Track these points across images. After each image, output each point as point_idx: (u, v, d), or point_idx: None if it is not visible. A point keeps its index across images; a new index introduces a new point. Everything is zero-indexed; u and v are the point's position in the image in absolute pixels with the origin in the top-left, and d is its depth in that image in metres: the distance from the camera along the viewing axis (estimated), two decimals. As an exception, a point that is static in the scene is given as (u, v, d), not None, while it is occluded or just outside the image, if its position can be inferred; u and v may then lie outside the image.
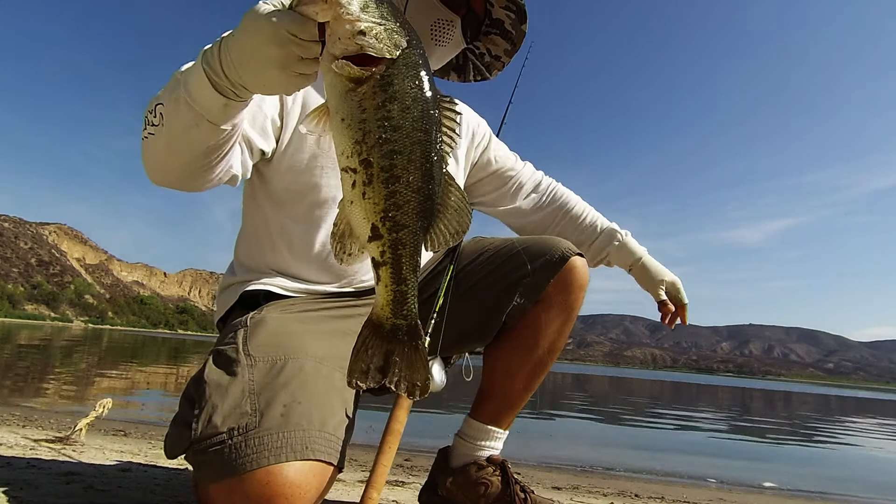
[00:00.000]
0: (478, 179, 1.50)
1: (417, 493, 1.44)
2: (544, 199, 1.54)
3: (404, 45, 0.64)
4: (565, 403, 10.36)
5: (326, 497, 1.42)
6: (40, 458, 1.56)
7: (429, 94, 0.66)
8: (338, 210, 0.70)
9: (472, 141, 1.44)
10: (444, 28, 1.20)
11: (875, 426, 10.49)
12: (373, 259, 0.70)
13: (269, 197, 1.13)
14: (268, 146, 1.06)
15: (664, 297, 1.43)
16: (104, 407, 2.22)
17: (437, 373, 1.14)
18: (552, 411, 8.55)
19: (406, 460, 3.15)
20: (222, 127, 0.82)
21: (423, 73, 0.65)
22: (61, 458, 1.62)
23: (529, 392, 1.30)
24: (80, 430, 2.14)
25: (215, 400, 0.83)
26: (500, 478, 1.20)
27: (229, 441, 0.78)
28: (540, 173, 1.58)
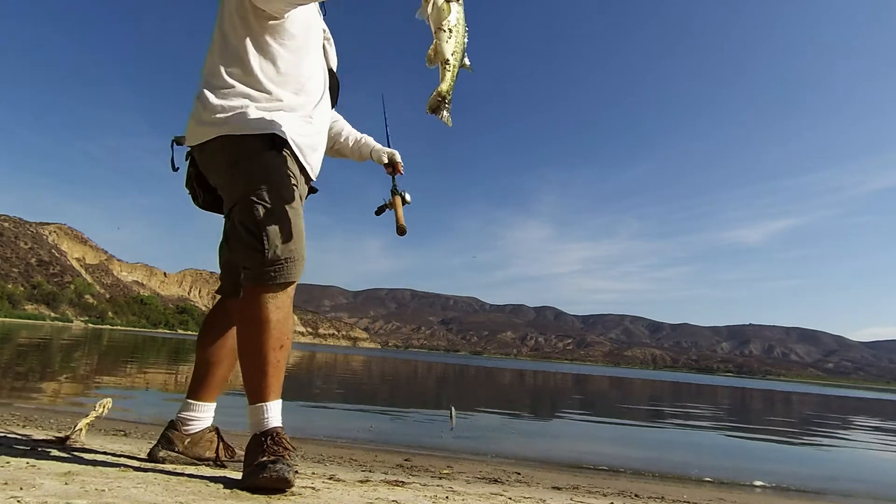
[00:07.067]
0: None
1: (417, 492, 1.44)
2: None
3: None
4: (565, 403, 10.36)
5: (328, 496, 1.42)
6: (40, 458, 1.56)
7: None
8: (434, 42, 1.44)
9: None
10: None
11: (875, 426, 10.49)
12: (442, 70, 1.45)
13: (271, 26, 1.55)
14: None
15: (386, 160, 2.06)
16: (104, 407, 2.21)
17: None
18: (552, 411, 8.55)
19: (406, 460, 3.15)
20: (308, 5, 1.62)
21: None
22: (61, 458, 1.62)
23: (222, 366, 1.82)
24: (80, 430, 2.13)
25: (275, 241, 1.49)
26: (216, 436, 1.83)
27: (286, 265, 1.50)
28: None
